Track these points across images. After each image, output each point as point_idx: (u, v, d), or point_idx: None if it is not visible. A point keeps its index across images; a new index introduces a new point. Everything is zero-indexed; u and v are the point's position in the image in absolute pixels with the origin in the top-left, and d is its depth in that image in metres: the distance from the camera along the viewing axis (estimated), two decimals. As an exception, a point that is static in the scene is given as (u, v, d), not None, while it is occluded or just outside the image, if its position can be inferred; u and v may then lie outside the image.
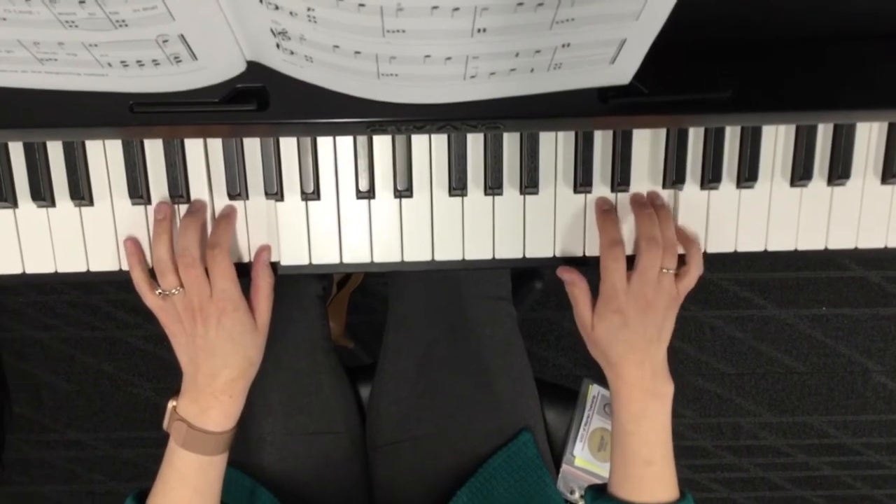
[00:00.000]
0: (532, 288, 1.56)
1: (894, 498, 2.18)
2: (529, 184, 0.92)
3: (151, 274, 0.90)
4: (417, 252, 0.94)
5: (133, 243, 0.91)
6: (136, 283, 0.90)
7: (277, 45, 0.69)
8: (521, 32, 0.65)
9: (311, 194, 0.92)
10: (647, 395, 0.87)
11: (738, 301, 2.05)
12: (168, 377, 2.04)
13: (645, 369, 0.87)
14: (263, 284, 0.91)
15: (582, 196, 0.94)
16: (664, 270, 0.87)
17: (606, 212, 0.92)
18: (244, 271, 0.91)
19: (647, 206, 0.91)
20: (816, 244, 0.96)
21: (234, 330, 0.87)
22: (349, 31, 0.64)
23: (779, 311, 2.06)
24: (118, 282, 0.93)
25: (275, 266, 0.93)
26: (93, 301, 2.03)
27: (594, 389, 1.22)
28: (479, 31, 0.64)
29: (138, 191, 0.90)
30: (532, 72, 0.72)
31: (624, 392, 0.88)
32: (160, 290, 0.87)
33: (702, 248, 0.95)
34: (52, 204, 0.91)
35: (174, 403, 0.89)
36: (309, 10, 0.62)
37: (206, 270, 0.87)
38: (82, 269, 0.93)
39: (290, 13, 0.63)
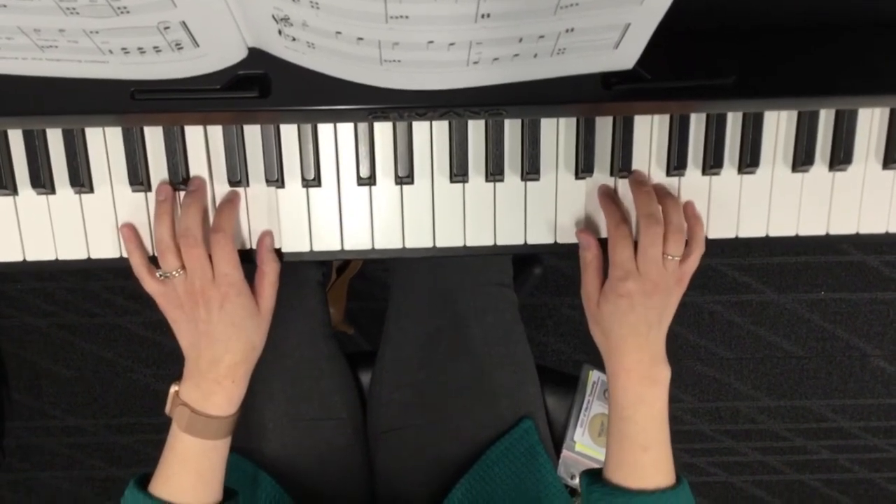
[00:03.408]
0: (531, 273, 1.56)
1: (892, 481, 2.19)
2: (531, 170, 0.91)
3: (151, 260, 0.90)
4: (418, 239, 0.94)
5: (129, 229, 0.91)
6: (136, 268, 0.89)
7: (279, 32, 0.69)
8: (524, 17, 0.65)
9: (312, 181, 0.91)
10: (645, 381, 0.87)
11: (736, 286, 2.05)
12: (168, 363, 2.04)
13: (644, 354, 0.87)
14: (269, 270, 0.90)
15: (583, 182, 0.94)
16: (668, 257, 0.87)
17: (609, 195, 0.93)
18: (246, 258, 0.91)
19: (646, 184, 0.91)
20: (818, 230, 0.96)
21: (236, 314, 0.86)
22: (352, 17, 0.63)
23: (777, 296, 2.06)
24: (118, 269, 0.93)
25: (279, 252, 0.93)
26: (92, 288, 2.03)
27: (594, 375, 1.22)
28: (482, 16, 0.63)
29: (138, 178, 0.90)
30: (535, 57, 0.71)
31: (622, 376, 0.88)
32: (161, 273, 0.87)
33: (705, 227, 0.95)
34: (52, 191, 0.91)
35: (176, 388, 0.88)
36: (312, -4, 0.61)
37: (209, 255, 0.86)
38: (83, 256, 0.93)
39: (293, -1, 0.63)
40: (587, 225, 0.95)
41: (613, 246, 0.88)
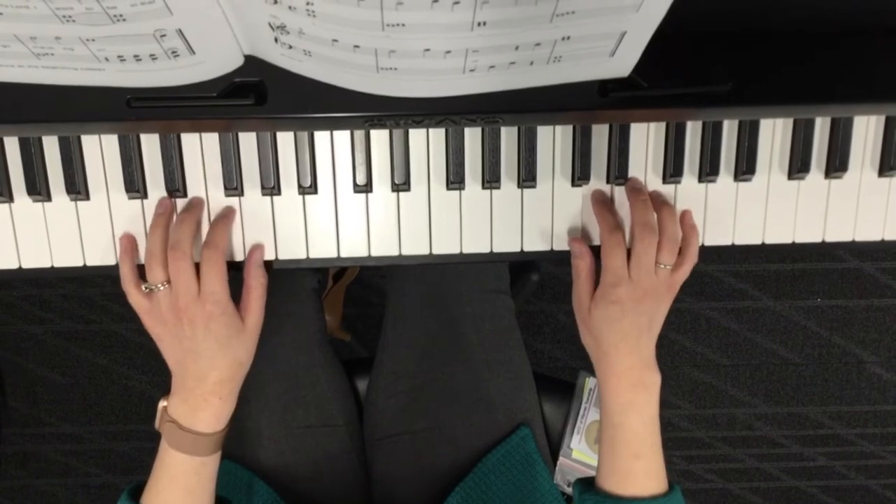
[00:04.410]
0: (528, 280, 1.56)
1: (888, 488, 2.19)
2: (527, 177, 0.91)
3: (141, 275, 0.88)
4: (415, 246, 0.94)
5: (129, 240, 0.90)
6: (123, 279, 0.88)
7: (276, 40, 0.69)
8: (521, 25, 0.65)
9: (309, 188, 0.91)
10: (635, 387, 0.87)
11: (733, 292, 2.05)
12: (163, 371, 1.99)
13: (633, 360, 0.87)
14: (255, 285, 0.89)
15: (580, 189, 0.93)
16: (661, 266, 0.87)
17: (603, 201, 0.92)
18: (238, 267, 0.91)
19: (643, 192, 0.91)
20: (814, 237, 0.97)
21: (220, 333, 0.85)
22: (348, 26, 0.64)
23: (774, 303, 2.06)
24: (114, 276, 0.92)
25: (269, 264, 0.93)
26: (87, 294, 2.03)
27: (591, 382, 1.22)
28: (479, 24, 0.63)
29: (135, 185, 0.90)
30: (532, 65, 0.71)
31: (612, 382, 0.88)
32: (146, 286, 0.85)
33: (700, 238, 0.94)
34: (48, 198, 0.91)
35: (164, 403, 0.88)
36: (308, 4, 0.61)
37: (198, 269, 0.85)
38: (79, 263, 0.93)
39: (289, 7, 0.63)
40: (582, 233, 0.94)
41: (606, 252, 0.88)
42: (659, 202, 0.91)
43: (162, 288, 0.84)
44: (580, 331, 0.92)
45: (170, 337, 0.86)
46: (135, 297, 0.87)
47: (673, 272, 0.88)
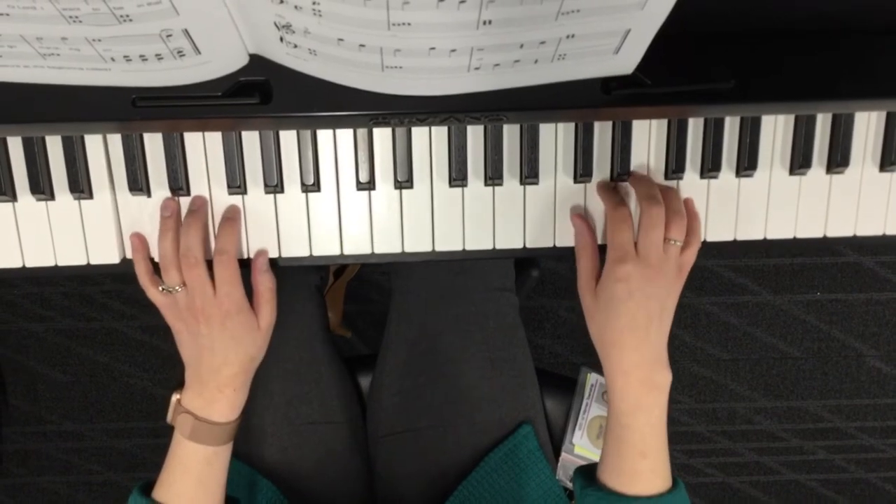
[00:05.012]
0: (529, 276, 1.56)
1: (888, 481, 2.20)
2: (529, 174, 0.92)
3: (155, 268, 0.90)
4: (418, 243, 0.95)
5: (139, 238, 0.91)
6: (140, 279, 0.90)
7: (281, 39, 0.69)
8: (526, 24, 0.65)
9: (312, 186, 0.91)
10: (644, 387, 0.84)
11: (733, 287, 2.05)
12: (164, 368, 2.04)
13: (643, 355, 0.83)
14: (264, 290, 0.91)
15: (582, 186, 0.94)
16: (671, 242, 0.85)
17: (607, 184, 0.92)
18: (245, 264, 0.92)
19: (646, 176, 0.92)
20: (815, 232, 0.97)
21: (236, 331, 0.87)
22: (354, 25, 0.64)
23: (774, 297, 2.06)
24: (115, 273, 0.93)
25: (272, 262, 0.93)
26: (88, 292, 2.03)
27: (592, 378, 1.23)
28: (484, 23, 0.63)
29: (138, 184, 0.90)
30: (536, 63, 0.72)
31: (619, 382, 0.84)
32: (163, 287, 0.87)
33: (702, 231, 0.94)
34: (52, 197, 0.91)
35: (178, 397, 0.89)
36: (314, 3, 0.61)
37: (210, 266, 0.87)
38: (82, 262, 0.93)
39: (295, 7, 0.63)
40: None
41: (611, 228, 0.86)
42: (662, 187, 0.91)
43: (179, 289, 0.87)
44: (586, 320, 0.89)
45: (187, 332, 0.88)
46: (153, 294, 0.89)
47: (681, 254, 0.87)
